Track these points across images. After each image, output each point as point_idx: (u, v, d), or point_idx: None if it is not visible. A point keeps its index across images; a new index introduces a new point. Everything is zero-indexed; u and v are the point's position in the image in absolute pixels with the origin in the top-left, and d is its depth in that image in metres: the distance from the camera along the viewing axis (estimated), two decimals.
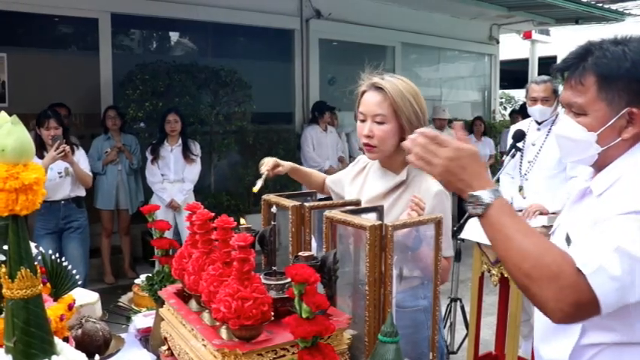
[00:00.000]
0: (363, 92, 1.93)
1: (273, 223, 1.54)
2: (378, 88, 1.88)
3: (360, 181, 2.06)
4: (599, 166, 1.36)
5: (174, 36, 7.72)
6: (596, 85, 1.29)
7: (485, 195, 1.20)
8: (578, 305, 1.15)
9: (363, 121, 1.92)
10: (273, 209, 1.54)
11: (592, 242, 1.21)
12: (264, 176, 2.14)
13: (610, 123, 1.29)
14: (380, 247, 1.35)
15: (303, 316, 1.04)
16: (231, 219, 1.36)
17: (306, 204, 1.65)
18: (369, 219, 1.40)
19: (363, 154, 2.14)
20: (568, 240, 1.36)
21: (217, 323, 1.35)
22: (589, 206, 1.35)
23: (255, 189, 2.05)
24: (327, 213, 1.49)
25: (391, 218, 1.71)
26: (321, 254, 1.45)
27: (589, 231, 1.24)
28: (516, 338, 3.30)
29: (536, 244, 1.18)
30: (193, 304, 1.53)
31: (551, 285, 1.15)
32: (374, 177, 2.02)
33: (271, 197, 1.77)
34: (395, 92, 1.85)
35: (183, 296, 1.60)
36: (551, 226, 3.28)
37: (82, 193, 4.62)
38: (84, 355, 1.06)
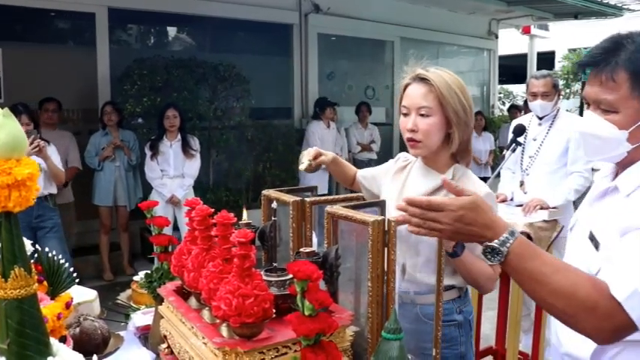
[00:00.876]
0: (407, 85, 1.83)
1: (273, 218, 1.52)
2: (423, 80, 1.77)
3: (401, 180, 1.94)
4: (624, 163, 1.31)
5: (172, 31, 7.68)
6: (629, 82, 1.23)
7: (500, 244, 1.16)
8: (617, 331, 1.16)
9: (406, 115, 1.81)
10: (274, 205, 1.51)
11: (624, 261, 1.18)
12: (308, 161, 2.02)
13: None
14: (383, 243, 1.33)
15: (306, 313, 1.02)
16: (231, 215, 1.33)
17: (307, 199, 1.62)
18: (372, 214, 1.37)
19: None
20: (593, 239, 1.32)
21: (218, 321, 1.33)
22: (616, 206, 1.30)
23: (302, 167, 1.95)
24: (329, 208, 1.46)
25: None
26: (323, 250, 1.43)
27: (619, 238, 1.21)
28: (517, 333, 3.29)
29: (566, 281, 1.16)
30: (193, 301, 1.51)
31: (588, 318, 1.15)
32: (416, 175, 1.91)
33: (271, 193, 1.74)
34: (441, 83, 1.74)
35: (183, 293, 1.58)
36: (553, 220, 3.29)
37: (54, 190, 4.52)
38: (81, 355, 1.03)
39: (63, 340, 1.55)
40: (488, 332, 3.87)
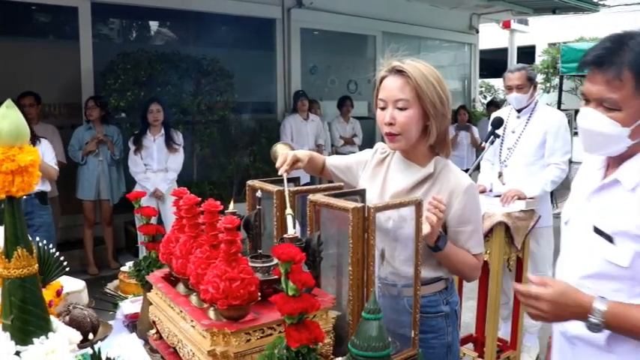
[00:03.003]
0: (383, 78, 1.79)
1: (258, 207, 1.57)
2: (399, 72, 1.74)
3: (381, 175, 1.92)
4: (623, 157, 1.39)
5: (155, 25, 7.67)
6: (634, 81, 1.30)
7: (595, 317, 1.33)
8: None
9: (383, 108, 1.78)
10: (258, 194, 1.57)
11: None
12: (285, 185, 1.73)
13: None
14: (362, 229, 1.39)
15: (290, 293, 1.08)
16: (218, 202, 1.39)
17: (290, 189, 1.68)
18: (352, 202, 1.44)
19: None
20: (601, 233, 1.39)
21: (205, 305, 1.39)
22: (621, 200, 1.38)
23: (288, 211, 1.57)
24: (312, 197, 1.53)
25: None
26: (306, 237, 1.49)
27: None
28: (496, 320, 3.38)
29: None
30: (181, 287, 1.56)
31: None
32: (396, 170, 1.88)
33: (256, 183, 1.80)
34: (417, 75, 1.71)
35: (171, 280, 1.63)
36: (530, 210, 3.38)
37: (47, 187, 4.43)
38: (78, 332, 1.09)
39: None
40: (468, 321, 3.95)
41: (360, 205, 1.39)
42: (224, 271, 1.25)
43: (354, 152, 7.88)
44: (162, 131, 5.43)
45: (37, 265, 1.00)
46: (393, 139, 1.78)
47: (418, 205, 1.52)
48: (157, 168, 5.43)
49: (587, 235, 1.44)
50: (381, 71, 1.80)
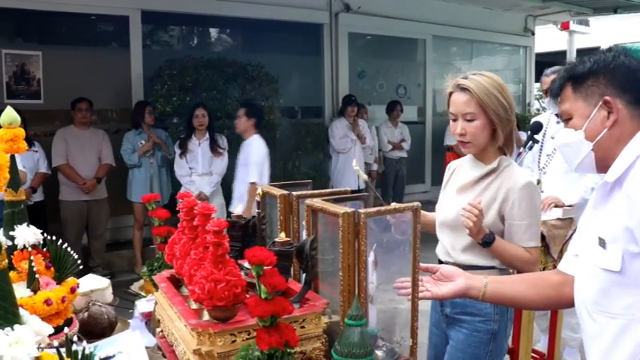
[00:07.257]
0: (450, 93, 2.04)
1: (257, 211, 1.60)
2: (464, 89, 1.97)
3: (451, 173, 2.22)
4: (604, 167, 1.38)
5: (202, 32, 7.83)
6: (570, 87, 1.41)
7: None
8: None
9: (454, 120, 2.04)
10: (257, 198, 1.59)
11: None
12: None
13: (592, 116, 1.37)
14: (353, 234, 1.38)
15: (262, 296, 1.09)
16: (212, 206, 1.42)
17: (294, 193, 1.70)
18: (343, 207, 1.43)
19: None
20: (603, 244, 1.33)
21: (203, 306, 1.42)
22: (617, 204, 1.32)
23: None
24: (308, 201, 1.53)
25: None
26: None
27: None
28: (530, 332, 3.27)
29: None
30: (184, 288, 1.61)
31: None
32: (466, 167, 2.15)
33: (264, 187, 1.82)
34: (480, 90, 1.94)
35: (177, 280, 1.68)
36: (569, 219, 3.25)
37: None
38: (50, 326, 1.14)
39: (69, 322, 1.68)
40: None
41: (350, 210, 1.38)
42: (210, 273, 1.28)
43: (402, 157, 7.89)
44: (207, 135, 5.55)
45: (5, 261, 1.06)
46: (465, 146, 2.05)
47: (415, 211, 1.50)
48: (202, 171, 5.55)
49: (594, 250, 1.36)
50: (448, 87, 2.06)
